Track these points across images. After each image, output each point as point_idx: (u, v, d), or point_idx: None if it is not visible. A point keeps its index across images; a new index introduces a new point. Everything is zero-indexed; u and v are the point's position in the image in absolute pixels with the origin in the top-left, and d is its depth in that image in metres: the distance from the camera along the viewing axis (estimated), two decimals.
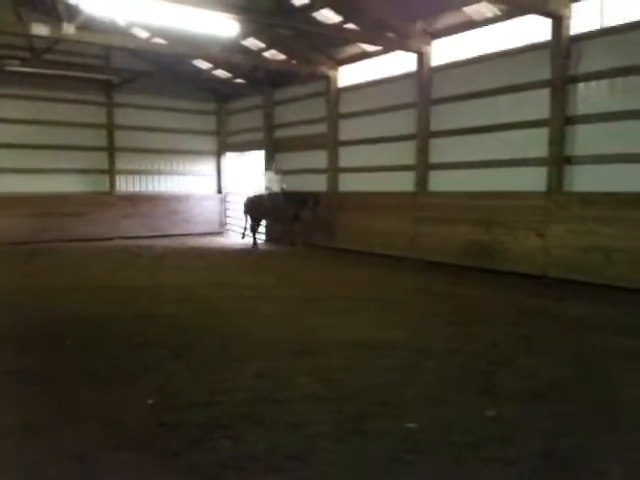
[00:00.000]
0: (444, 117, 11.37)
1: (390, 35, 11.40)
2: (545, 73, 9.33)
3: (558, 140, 9.21)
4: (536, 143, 9.60)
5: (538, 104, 9.52)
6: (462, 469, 3.05)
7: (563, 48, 9.03)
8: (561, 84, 9.12)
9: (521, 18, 9.72)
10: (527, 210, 9.54)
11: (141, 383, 4.37)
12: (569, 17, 9.02)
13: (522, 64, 9.82)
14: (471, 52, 10.73)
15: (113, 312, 6.96)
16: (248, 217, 14.46)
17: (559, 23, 9.01)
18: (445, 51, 11.26)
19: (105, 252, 13.50)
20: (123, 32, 14.21)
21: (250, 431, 3.49)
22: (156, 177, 17.78)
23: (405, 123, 12.09)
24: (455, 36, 10.97)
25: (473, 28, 10.53)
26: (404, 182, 12.13)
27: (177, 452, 3.25)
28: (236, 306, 7.27)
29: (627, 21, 8.41)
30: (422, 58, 11.37)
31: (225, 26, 9.89)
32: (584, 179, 9.13)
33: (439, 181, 11.63)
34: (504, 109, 10.22)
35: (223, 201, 18.82)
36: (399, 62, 12.18)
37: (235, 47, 13.49)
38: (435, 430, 3.50)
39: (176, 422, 3.65)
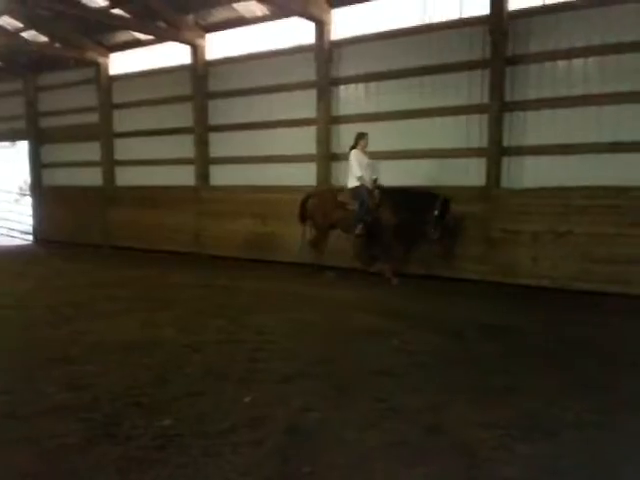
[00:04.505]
0: (222, 111, 11.45)
1: (162, 25, 11.07)
2: (312, 74, 9.93)
3: (324, 138, 9.89)
4: (306, 141, 10.17)
5: (307, 104, 10.09)
6: (211, 458, 3.09)
7: (325, 51, 9.70)
8: (325, 86, 9.80)
9: (291, 20, 10.17)
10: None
11: None
12: (330, 23, 9.71)
13: (292, 64, 10.32)
14: (247, 49, 10.94)
15: None
16: (311, 225, 9.11)
17: (321, 28, 9.64)
18: (221, 46, 11.31)
19: None
20: None
21: None
22: None
23: (184, 116, 11.88)
24: (230, 32, 11.09)
25: (245, 25, 10.76)
26: (185, 176, 11.95)
27: None
28: None
29: (378, 30, 9.34)
30: (196, 51, 11.28)
31: None
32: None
33: (220, 175, 11.71)
34: (278, 107, 10.64)
35: None
36: (175, 53, 11.89)
37: None
38: (189, 424, 3.50)
39: None
